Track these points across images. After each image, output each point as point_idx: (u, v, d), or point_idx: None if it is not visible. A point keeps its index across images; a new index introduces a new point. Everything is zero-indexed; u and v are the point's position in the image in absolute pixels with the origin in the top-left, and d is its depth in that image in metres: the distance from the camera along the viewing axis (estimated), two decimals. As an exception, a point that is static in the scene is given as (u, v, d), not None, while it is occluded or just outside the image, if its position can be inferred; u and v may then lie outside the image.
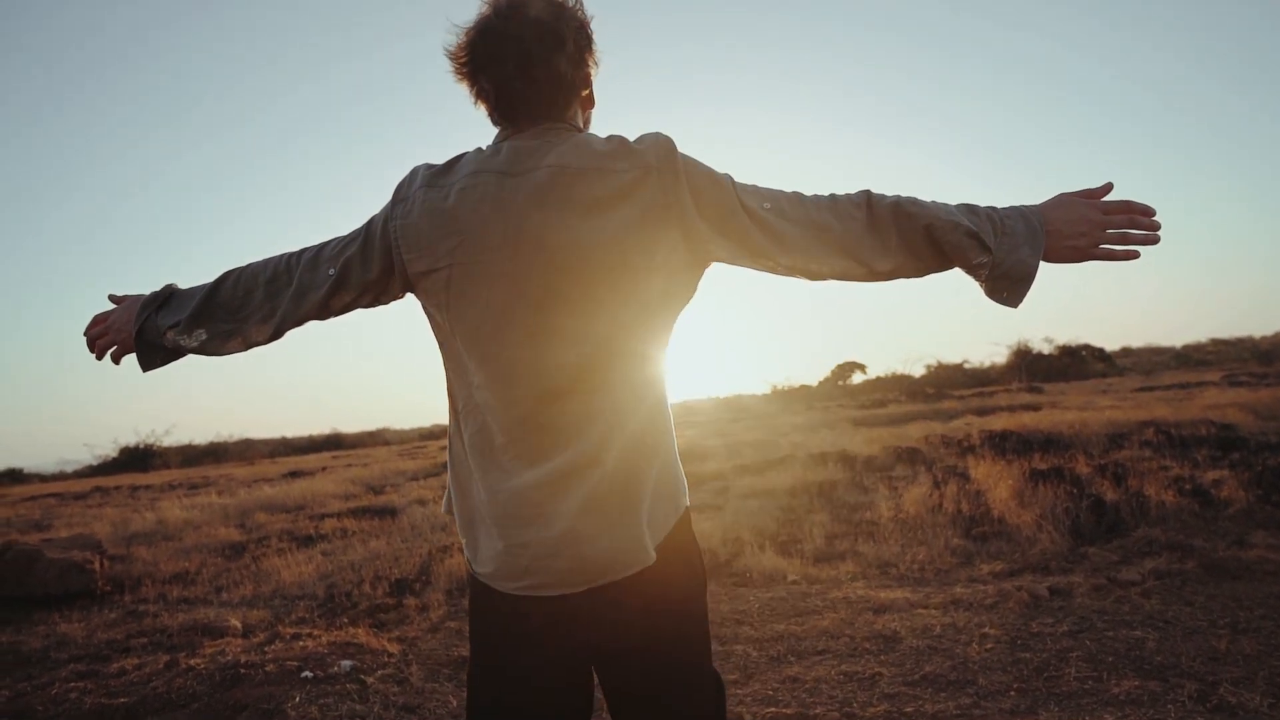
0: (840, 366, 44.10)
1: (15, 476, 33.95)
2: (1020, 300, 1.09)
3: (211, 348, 1.25)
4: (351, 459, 22.12)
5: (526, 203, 1.06)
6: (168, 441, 34.33)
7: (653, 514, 1.08)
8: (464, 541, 1.16)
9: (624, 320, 1.06)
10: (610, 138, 1.11)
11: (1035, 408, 14.86)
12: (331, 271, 1.18)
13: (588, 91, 1.18)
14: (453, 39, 1.10)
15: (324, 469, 17.57)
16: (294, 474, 17.03)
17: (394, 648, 3.65)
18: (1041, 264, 1.10)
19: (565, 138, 1.11)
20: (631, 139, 1.11)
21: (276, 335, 1.23)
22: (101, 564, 6.18)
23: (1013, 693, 2.69)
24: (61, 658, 4.22)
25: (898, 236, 1.09)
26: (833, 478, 8.29)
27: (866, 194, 1.11)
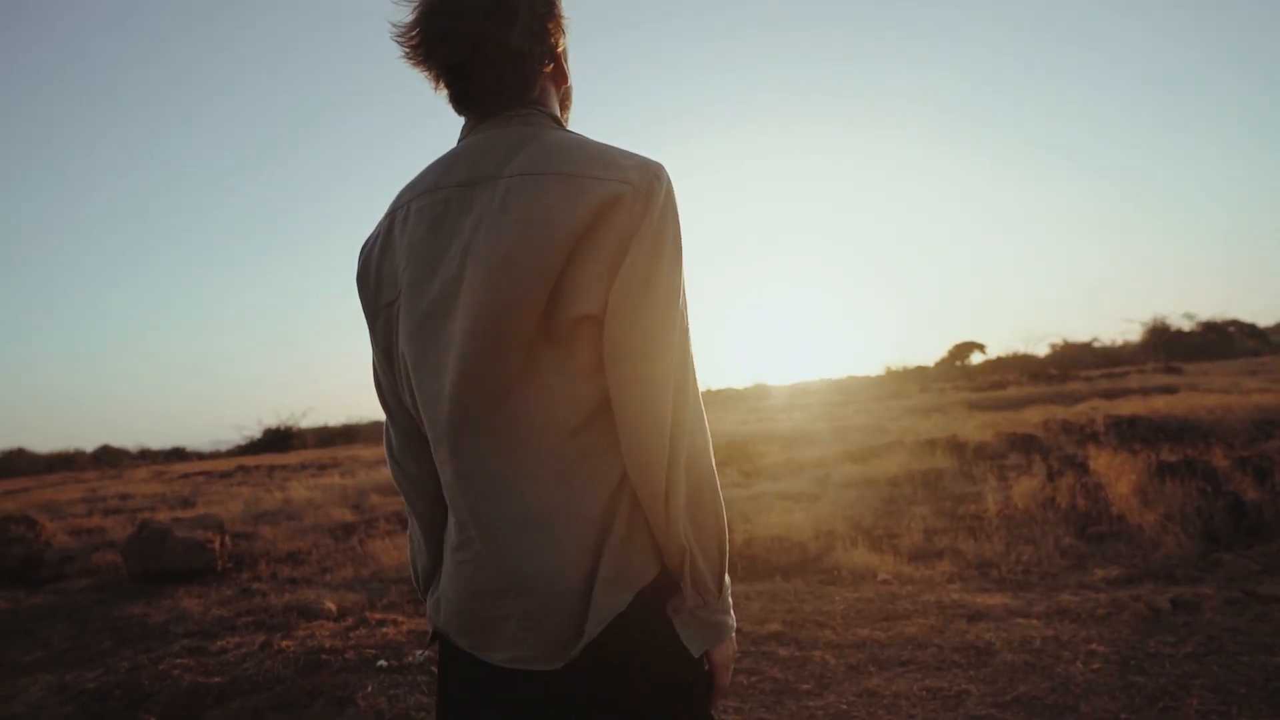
0: (958, 346, 42.13)
1: (179, 454, 37.69)
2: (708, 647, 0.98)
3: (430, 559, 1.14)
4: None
5: (481, 219, 0.93)
6: (305, 423, 36.96)
7: (621, 557, 0.94)
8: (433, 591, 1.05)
9: (552, 358, 0.91)
10: (594, 142, 0.96)
11: (1171, 390, 13.64)
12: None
13: (552, 66, 1.03)
14: (400, 18, 0.98)
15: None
16: (410, 455, 17.79)
17: (469, 638, 3.69)
18: None
19: (539, 132, 0.97)
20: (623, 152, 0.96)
21: (411, 473, 1.09)
22: (222, 543, 6.62)
23: (1120, 722, 2.40)
24: (178, 632, 4.53)
25: (688, 496, 0.94)
26: (939, 466, 7.87)
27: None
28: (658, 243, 0.91)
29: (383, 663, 3.33)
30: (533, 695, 0.95)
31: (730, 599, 1.01)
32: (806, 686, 2.87)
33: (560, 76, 1.06)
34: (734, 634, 1.01)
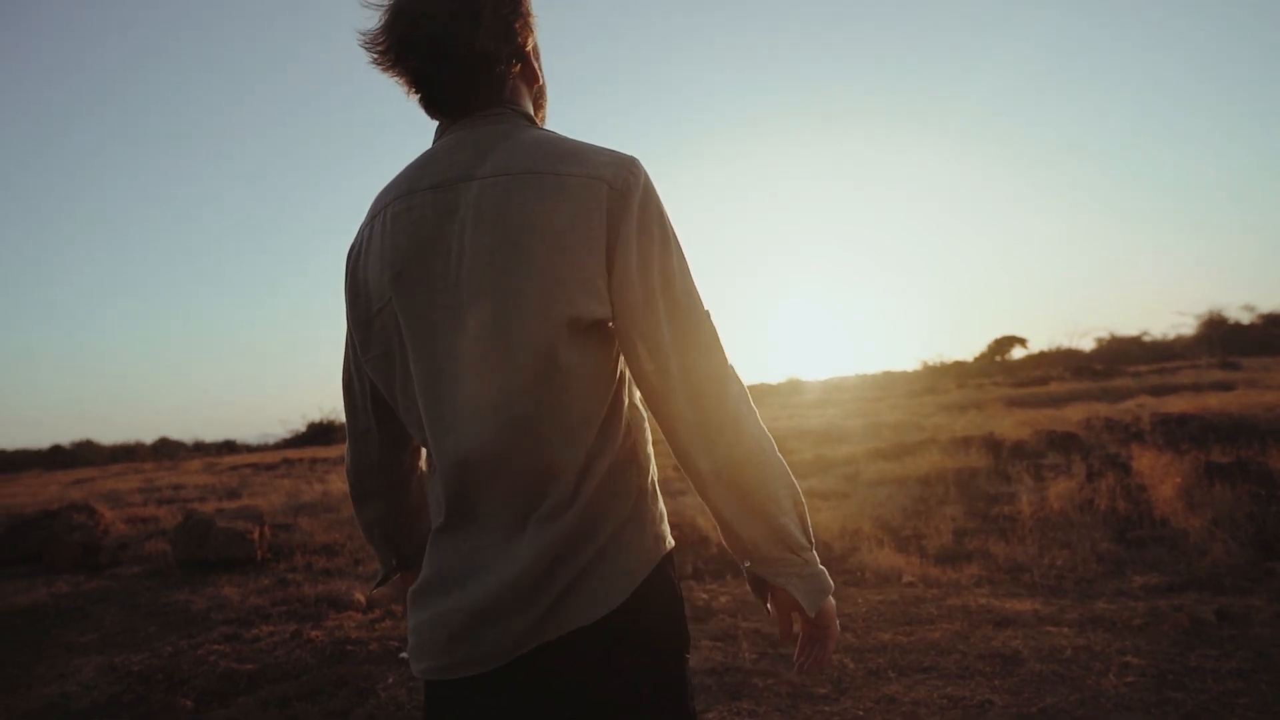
0: (998, 341, 41.24)
1: (230, 447, 38.87)
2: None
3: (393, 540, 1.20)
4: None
5: (465, 225, 0.93)
6: (346, 418, 37.74)
7: (608, 561, 0.93)
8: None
9: (567, 361, 0.92)
10: (567, 139, 0.96)
11: (1227, 387, 13.15)
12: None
13: (521, 65, 1.02)
14: (368, 23, 0.97)
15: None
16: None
17: (492, 633, 3.72)
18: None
19: (511, 130, 0.97)
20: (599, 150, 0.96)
21: (365, 479, 1.14)
22: (261, 534, 6.79)
23: (1149, 737, 2.31)
24: (217, 620, 4.65)
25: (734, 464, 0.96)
26: (973, 465, 7.70)
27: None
28: (645, 234, 0.91)
29: (404, 655, 3.38)
30: (508, 696, 0.95)
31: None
32: (823, 690, 2.83)
33: (531, 75, 1.05)
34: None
